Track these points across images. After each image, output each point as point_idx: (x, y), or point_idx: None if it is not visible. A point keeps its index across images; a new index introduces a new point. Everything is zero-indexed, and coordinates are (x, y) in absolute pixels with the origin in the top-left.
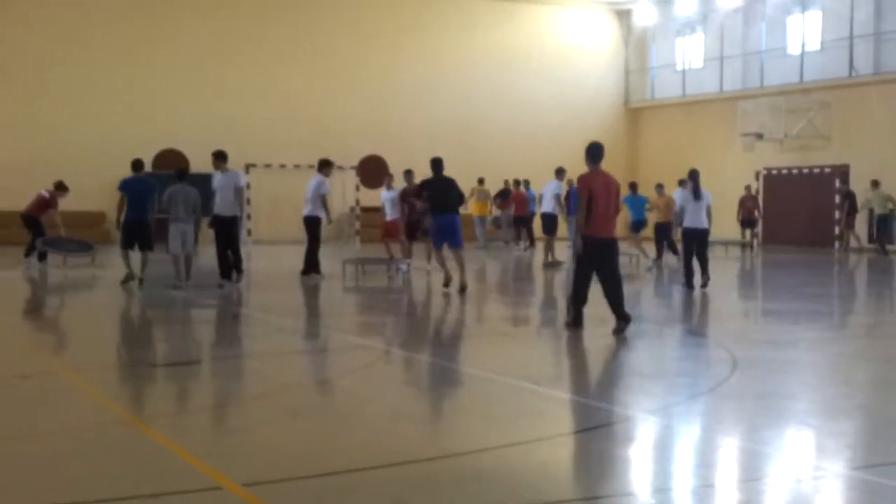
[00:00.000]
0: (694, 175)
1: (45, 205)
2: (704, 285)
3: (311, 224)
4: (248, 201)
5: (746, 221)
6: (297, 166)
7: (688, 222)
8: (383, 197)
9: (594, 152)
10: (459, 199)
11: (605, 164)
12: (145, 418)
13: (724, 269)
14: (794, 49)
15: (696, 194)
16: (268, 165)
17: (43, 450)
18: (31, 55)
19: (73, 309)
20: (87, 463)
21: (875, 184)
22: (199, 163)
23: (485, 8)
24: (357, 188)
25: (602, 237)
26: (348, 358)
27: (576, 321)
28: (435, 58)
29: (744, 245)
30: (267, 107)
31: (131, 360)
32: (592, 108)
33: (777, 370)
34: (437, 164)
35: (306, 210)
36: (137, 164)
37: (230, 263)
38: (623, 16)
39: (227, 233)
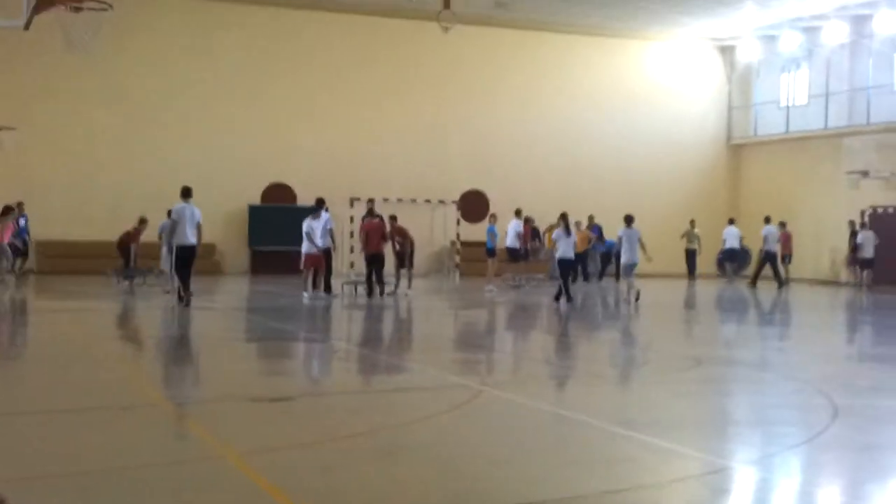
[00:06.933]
0: (564, 217)
1: (130, 238)
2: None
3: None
4: (353, 234)
5: (854, 261)
6: (399, 200)
7: (561, 254)
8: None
9: (369, 209)
10: None
11: (707, 200)
12: (240, 454)
13: (825, 310)
14: None
15: (568, 232)
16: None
17: (134, 485)
18: (148, 88)
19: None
20: (176, 501)
21: None
22: (305, 197)
23: (585, 45)
24: (458, 222)
25: (372, 252)
26: (444, 397)
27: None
28: (536, 96)
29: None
30: (373, 143)
31: (227, 394)
32: (694, 144)
33: (880, 419)
34: None
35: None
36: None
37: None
38: (727, 52)
39: (190, 259)
